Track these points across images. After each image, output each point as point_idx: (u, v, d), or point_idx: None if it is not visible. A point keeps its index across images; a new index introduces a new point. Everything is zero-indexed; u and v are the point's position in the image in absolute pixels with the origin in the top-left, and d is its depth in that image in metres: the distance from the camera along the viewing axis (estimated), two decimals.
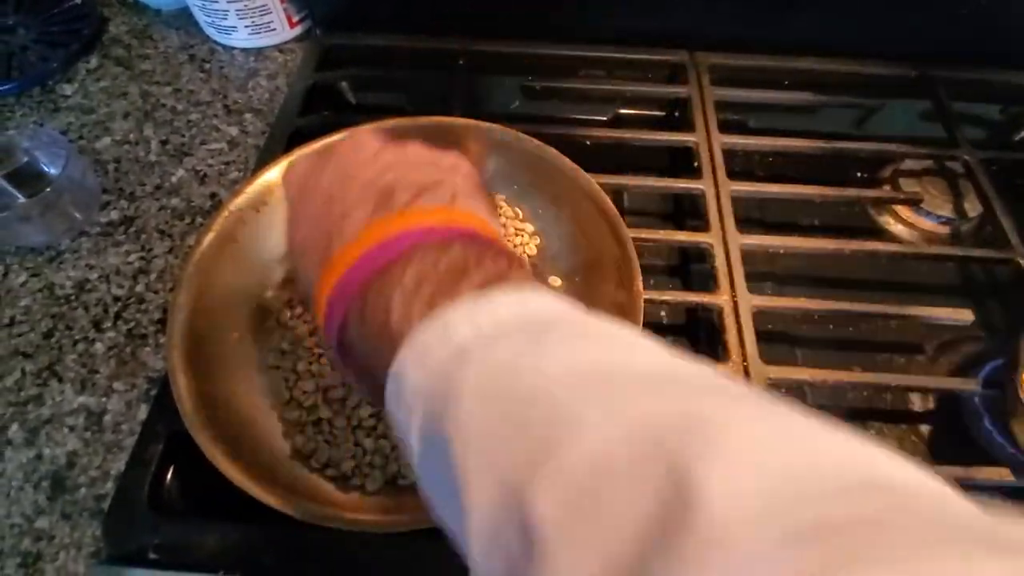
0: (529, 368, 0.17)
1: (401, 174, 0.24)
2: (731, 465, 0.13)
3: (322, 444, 0.35)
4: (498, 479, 0.15)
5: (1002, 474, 0.38)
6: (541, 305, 0.19)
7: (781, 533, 0.11)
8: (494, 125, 0.44)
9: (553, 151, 0.42)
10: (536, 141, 0.42)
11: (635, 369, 0.17)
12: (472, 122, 0.44)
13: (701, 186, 0.48)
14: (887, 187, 0.55)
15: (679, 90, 0.55)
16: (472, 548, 0.16)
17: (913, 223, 0.53)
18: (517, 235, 0.44)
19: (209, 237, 0.37)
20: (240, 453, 0.32)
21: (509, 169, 0.44)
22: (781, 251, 0.46)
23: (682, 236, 0.47)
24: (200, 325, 0.35)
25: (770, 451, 0.13)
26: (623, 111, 0.60)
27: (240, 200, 0.39)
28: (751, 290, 0.43)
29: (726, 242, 0.45)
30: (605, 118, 0.59)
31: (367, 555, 0.34)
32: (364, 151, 0.25)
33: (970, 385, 0.41)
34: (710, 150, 0.50)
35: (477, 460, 0.16)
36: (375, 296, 0.20)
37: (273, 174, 0.41)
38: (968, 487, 0.42)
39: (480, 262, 0.20)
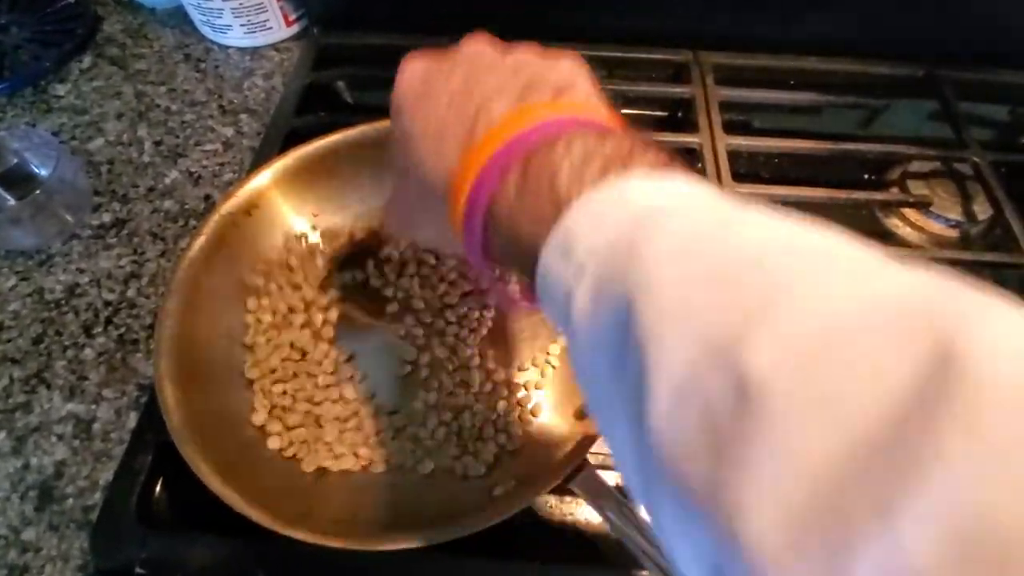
0: (727, 235, 0.17)
1: (536, 71, 0.24)
2: (1000, 338, 0.12)
3: (312, 452, 0.34)
4: (699, 334, 0.15)
5: None
6: (717, 191, 0.19)
7: None
8: None
9: None
10: None
11: (858, 254, 0.16)
12: None
13: None
14: (895, 189, 0.54)
15: (683, 90, 0.54)
16: (655, 404, 0.15)
17: (921, 226, 0.52)
18: None
19: (200, 242, 0.36)
20: (228, 465, 0.31)
21: None
22: None
23: None
24: (189, 332, 0.34)
25: None
26: (625, 111, 0.59)
27: (232, 203, 0.38)
28: None
29: None
30: None
31: (359, 569, 0.33)
32: (490, 51, 0.25)
33: None
34: (714, 151, 0.49)
35: (671, 316, 0.15)
36: (538, 167, 0.20)
37: (265, 178, 0.40)
38: None
39: (645, 150, 0.20)
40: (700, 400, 0.14)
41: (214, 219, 0.37)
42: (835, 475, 0.12)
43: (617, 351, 0.16)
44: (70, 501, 0.37)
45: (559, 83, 0.23)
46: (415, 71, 0.26)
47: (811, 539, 0.12)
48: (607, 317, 0.17)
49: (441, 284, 0.40)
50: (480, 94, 0.23)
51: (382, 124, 0.42)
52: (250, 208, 0.39)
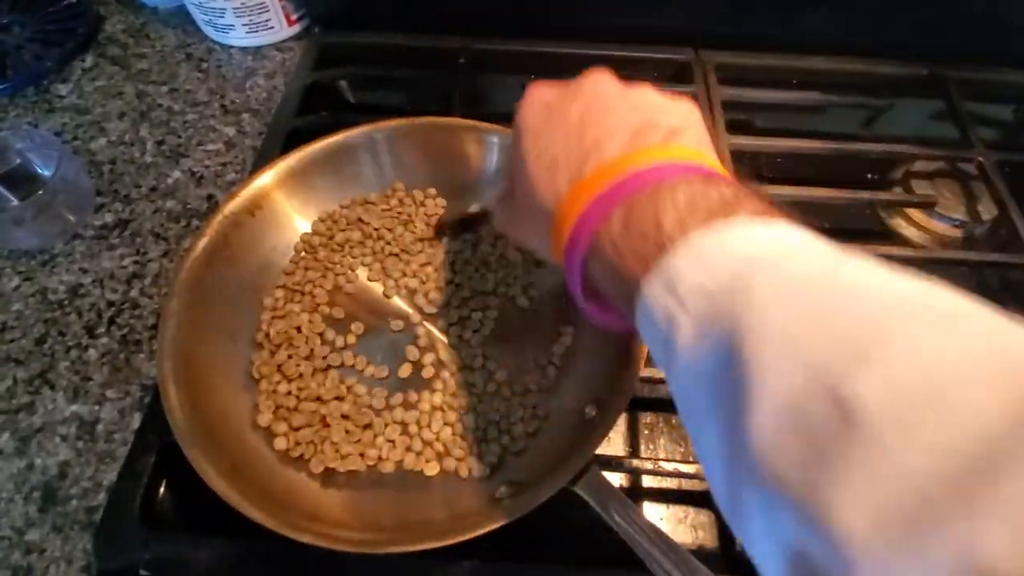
0: (834, 278, 0.18)
1: (649, 114, 0.25)
2: None
3: (319, 453, 0.34)
4: (805, 365, 0.16)
5: None
6: (819, 238, 0.20)
7: None
8: (493, 126, 0.43)
9: None
10: None
11: (950, 301, 0.17)
12: (471, 123, 0.43)
13: None
14: (898, 189, 0.53)
15: (685, 89, 0.54)
16: (756, 419, 0.16)
17: (925, 226, 0.52)
18: None
19: (203, 242, 0.36)
20: (234, 467, 0.31)
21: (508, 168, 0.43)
22: None
23: None
24: (193, 333, 0.34)
25: None
26: None
27: (235, 204, 0.38)
28: None
29: None
30: None
31: (370, 567, 0.33)
32: (610, 88, 0.27)
33: None
34: (717, 151, 0.49)
35: (777, 348, 0.17)
36: (644, 206, 0.21)
37: (268, 178, 0.40)
38: None
39: (750, 198, 0.21)
40: (803, 420, 0.16)
41: (217, 219, 0.37)
42: (923, 479, 0.14)
43: (720, 380, 0.18)
44: (74, 502, 0.37)
45: (671, 127, 0.24)
46: (538, 100, 0.28)
47: (894, 527, 0.14)
48: (712, 350, 0.18)
49: (448, 287, 0.40)
50: (594, 132, 0.25)
51: (384, 124, 0.42)
52: (253, 208, 0.38)
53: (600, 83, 0.27)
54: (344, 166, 0.42)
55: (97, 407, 0.40)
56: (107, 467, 0.38)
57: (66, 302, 0.45)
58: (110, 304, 0.44)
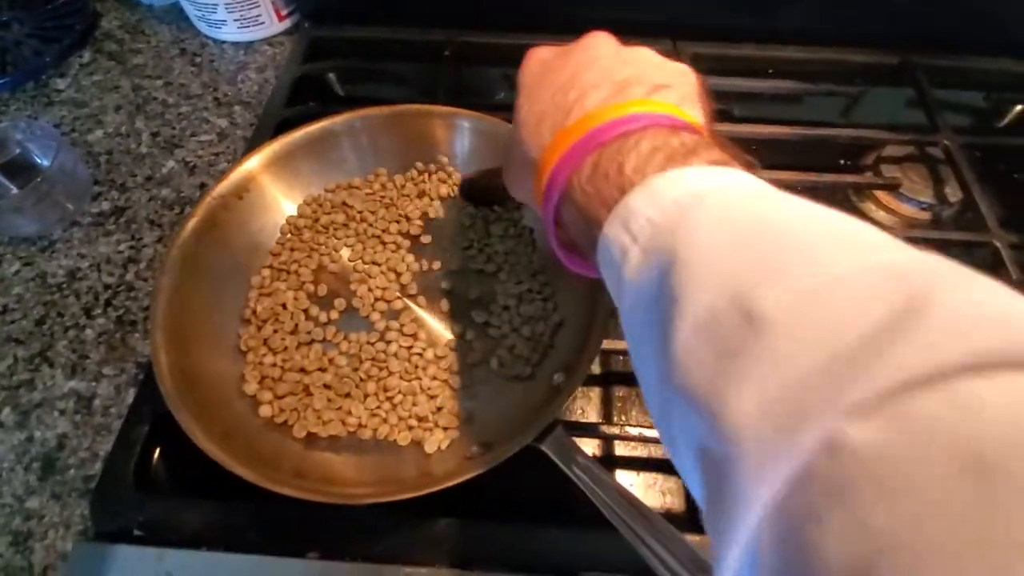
0: (760, 210, 0.20)
1: (639, 70, 0.26)
2: (962, 292, 0.15)
3: (302, 419, 0.36)
4: (722, 285, 0.18)
5: None
6: (763, 181, 0.22)
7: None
8: (467, 111, 0.45)
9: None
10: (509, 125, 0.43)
11: (870, 235, 0.18)
12: (445, 108, 0.45)
13: None
14: (869, 174, 0.55)
15: None
16: (678, 335, 0.18)
17: (894, 209, 0.54)
18: None
19: (193, 222, 0.38)
20: (223, 433, 0.33)
21: (482, 151, 0.45)
22: None
23: None
24: (184, 307, 0.36)
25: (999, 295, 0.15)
26: None
27: (223, 186, 0.40)
28: None
29: None
30: None
31: (351, 526, 0.34)
32: (605, 48, 0.28)
33: None
34: None
35: (701, 272, 0.18)
36: (612, 153, 0.23)
37: (255, 162, 0.41)
38: None
39: (708, 149, 0.23)
40: (714, 330, 0.17)
41: (206, 201, 0.39)
42: (805, 372, 0.15)
43: (655, 302, 0.20)
44: (72, 471, 0.39)
45: (656, 83, 0.26)
46: (536, 59, 0.30)
47: (776, 416, 0.15)
48: (651, 275, 0.20)
49: (401, 264, 0.42)
50: (581, 85, 0.26)
51: (367, 112, 0.44)
52: (241, 192, 0.40)
53: (596, 42, 0.28)
54: (327, 152, 0.44)
55: (94, 383, 0.42)
56: (103, 439, 0.40)
57: (64, 285, 0.46)
58: (106, 287, 0.46)
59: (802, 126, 0.54)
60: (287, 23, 0.63)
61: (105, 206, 0.51)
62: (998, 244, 0.46)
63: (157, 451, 0.38)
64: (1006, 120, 0.61)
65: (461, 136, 0.45)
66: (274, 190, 0.43)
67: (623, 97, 0.25)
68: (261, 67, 0.60)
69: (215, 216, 0.39)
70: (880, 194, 0.54)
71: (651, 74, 0.26)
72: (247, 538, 0.35)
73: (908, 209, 0.53)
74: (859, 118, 0.61)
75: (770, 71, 0.60)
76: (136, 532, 0.35)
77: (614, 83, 0.26)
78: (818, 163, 0.55)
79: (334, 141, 0.43)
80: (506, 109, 0.49)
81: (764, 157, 0.56)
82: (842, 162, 0.57)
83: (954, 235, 0.48)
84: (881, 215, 0.54)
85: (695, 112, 0.26)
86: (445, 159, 0.46)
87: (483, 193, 0.44)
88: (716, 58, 0.59)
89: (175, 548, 0.34)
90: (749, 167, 0.23)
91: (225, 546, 0.34)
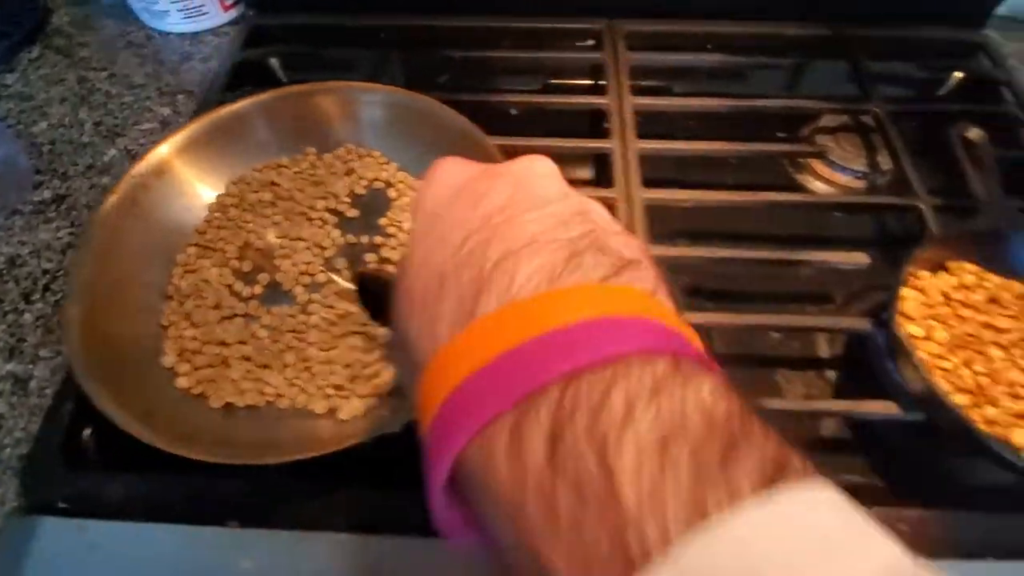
0: None
1: (598, 227, 0.18)
2: None
3: (219, 390, 0.37)
4: None
5: (889, 408, 0.39)
6: (846, 503, 0.13)
7: None
8: (370, 85, 0.46)
9: (431, 101, 0.44)
10: (413, 94, 0.44)
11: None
12: (348, 84, 0.46)
13: (610, 145, 0.49)
14: (804, 145, 0.56)
15: (594, 56, 0.57)
16: None
17: (829, 178, 0.54)
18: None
19: (112, 199, 0.39)
20: (140, 402, 0.34)
21: (388, 122, 0.46)
22: (687, 205, 0.47)
23: (585, 192, 0.48)
24: (102, 280, 0.37)
25: None
26: (552, 81, 0.61)
27: (140, 167, 0.40)
28: (657, 243, 0.45)
29: (630, 197, 0.46)
30: (535, 88, 0.60)
31: (272, 494, 0.35)
32: (551, 184, 0.19)
33: (862, 324, 0.42)
34: (620, 112, 0.52)
35: None
36: (575, 410, 0.13)
37: (164, 148, 0.43)
38: (858, 421, 0.42)
39: (748, 419, 0.14)
40: None
41: (124, 180, 0.40)
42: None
43: None
44: (8, 450, 0.39)
45: (622, 257, 0.17)
46: (443, 180, 0.20)
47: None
48: None
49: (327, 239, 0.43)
50: (514, 236, 0.17)
51: (290, 89, 0.45)
52: (158, 173, 0.41)
53: (537, 170, 0.20)
54: (248, 134, 0.45)
55: (31, 366, 0.43)
56: (38, 419, 0.40)
57: (4, 272, 0.47)
58: (45, 272, 0.47)
59: (732, 98, 0.54)
60: (233, 13, 0.63)
61: (47, 194, 0.51)
62: (922, 207, 0.47)
63: (90, 429, 0.39)
64: (946, 88, 0.62)
65: (372, 110, 0.46)
66: (189, 173, 0.44)
67: (582, 275, 0.16)
68: (206, 57, 0.61)
69: (135, 195, 0.40)
70: (816, 164, 0.55)
71: (610, 238, 0.18)
72: (170, 509, 0.35)
73: (843, 178, 0.54)
74: (803, 92, 0.61)
75: (708, 46, 0.61)
76: (61, 504, 0.36)
77: (563, 246, 0.16)
78: (756, 136, 0.56)
79: (250, 123, 0.44)
80: (450, 90, 0.50)
81: (700, 132, 0.56)
82: (780, 135, 0.58)
83: (880, 199, 0.49)
84: (818, 185, 0.55)
85: (667, 300, 0.18)
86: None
87: (376, 301, 0.28)
88: (652, 35, 0.59)
89: (101, 520, 0.35)
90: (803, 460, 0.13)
91: (147, 516, 0.35)
